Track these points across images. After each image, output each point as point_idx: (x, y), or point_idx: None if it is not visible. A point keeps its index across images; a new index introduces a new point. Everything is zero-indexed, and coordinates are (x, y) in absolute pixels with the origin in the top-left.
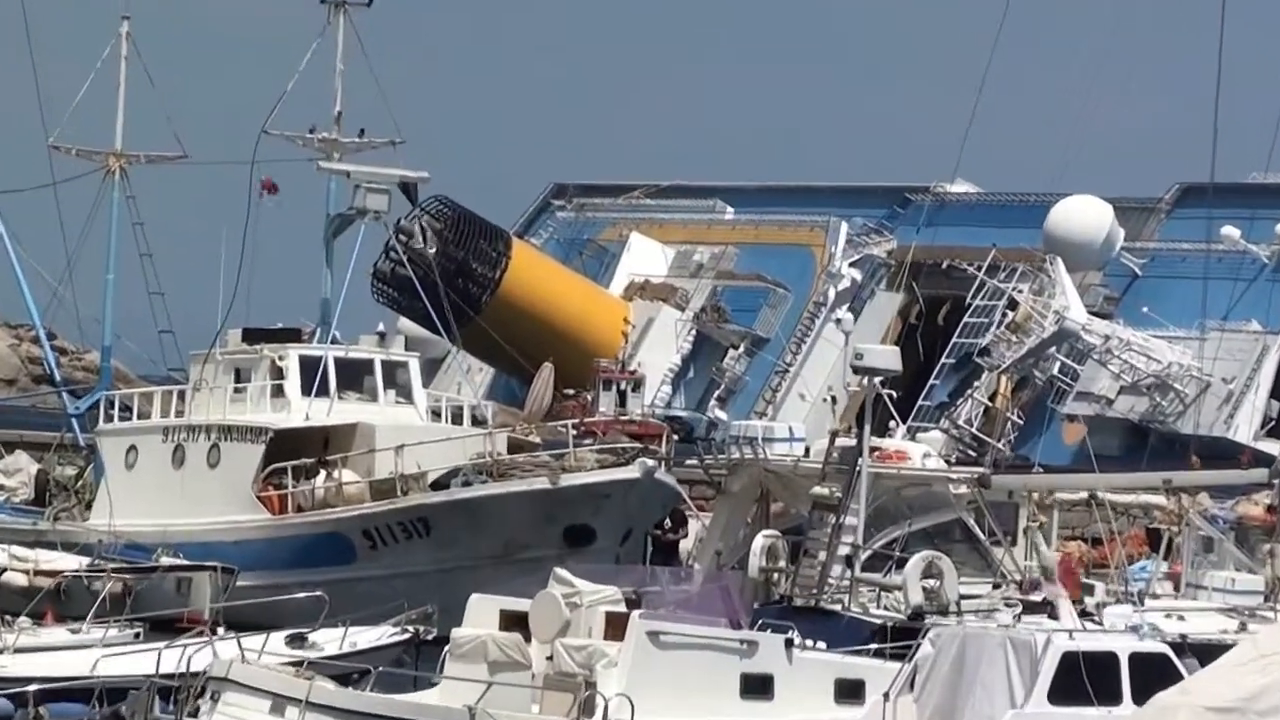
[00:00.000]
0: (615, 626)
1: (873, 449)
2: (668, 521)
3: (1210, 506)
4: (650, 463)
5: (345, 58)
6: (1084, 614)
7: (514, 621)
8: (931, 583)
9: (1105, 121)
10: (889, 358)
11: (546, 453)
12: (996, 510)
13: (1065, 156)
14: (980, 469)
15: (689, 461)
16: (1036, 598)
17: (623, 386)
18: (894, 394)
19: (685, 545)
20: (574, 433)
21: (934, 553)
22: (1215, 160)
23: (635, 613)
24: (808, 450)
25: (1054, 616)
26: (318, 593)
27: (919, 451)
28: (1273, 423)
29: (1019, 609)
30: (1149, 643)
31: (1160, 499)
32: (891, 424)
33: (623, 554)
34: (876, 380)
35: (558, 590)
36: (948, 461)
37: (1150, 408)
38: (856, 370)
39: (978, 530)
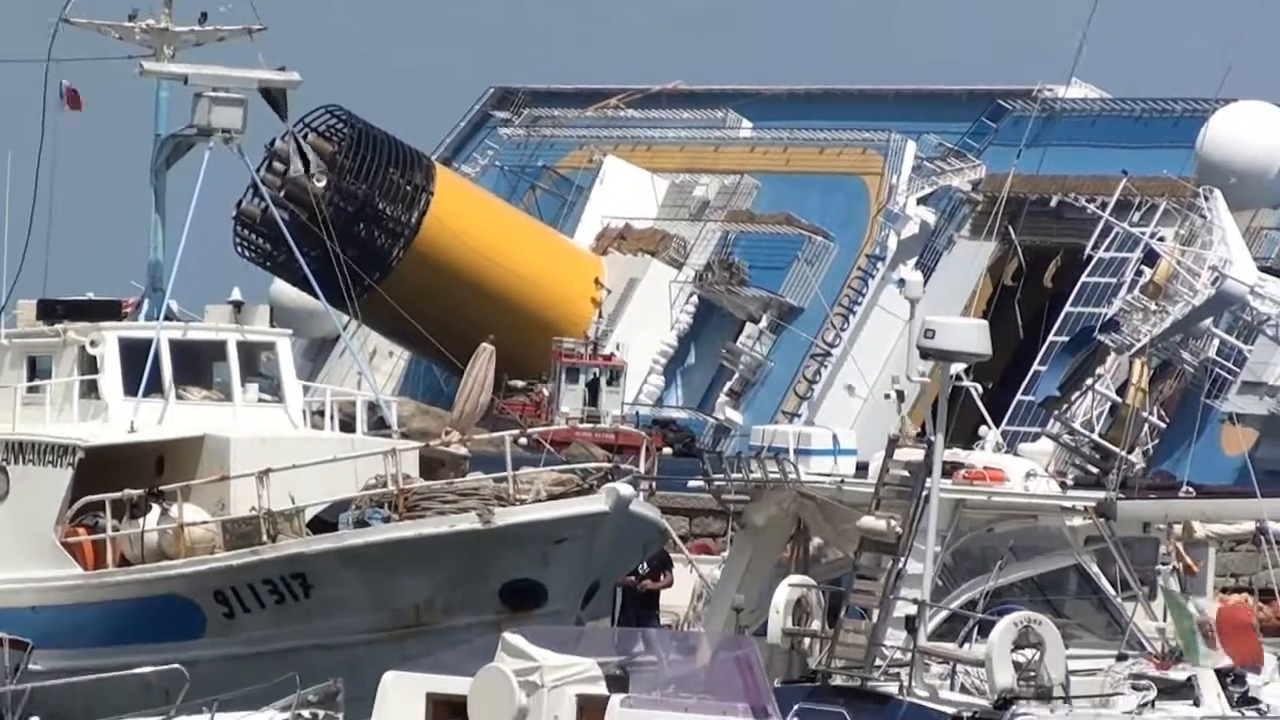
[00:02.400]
0: (591, 715)
1: (953, 465)
2: (643, 565)
3: None
4: (624, 489)
5: None
6: (1245, 699)
7: (448, 711)
8: (1028, 654)
9: None
10: (973, 335)
11: (479, 476)
12: (1131, 550)
13: (1227, 48)
14: (1103, 492)
15: (692, 483)
16: (1179, 675)
17: (594, 377)
18: (980, 387)
19: (675, 598)
20: (519, 444)
21: (1031, 614)
22: None
23: (618, 696)
24: (860, 468)
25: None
26: (172, 665)
27: (1020, 469)
28: None
29: (1152, 692)
30: None
31: None
32: (981, 429)
33: (585, 618)
34: (955, 368)
35: (509, 665)
36: (1062, 484)
37: None
38: (925, 354)
39: (1102, 580)
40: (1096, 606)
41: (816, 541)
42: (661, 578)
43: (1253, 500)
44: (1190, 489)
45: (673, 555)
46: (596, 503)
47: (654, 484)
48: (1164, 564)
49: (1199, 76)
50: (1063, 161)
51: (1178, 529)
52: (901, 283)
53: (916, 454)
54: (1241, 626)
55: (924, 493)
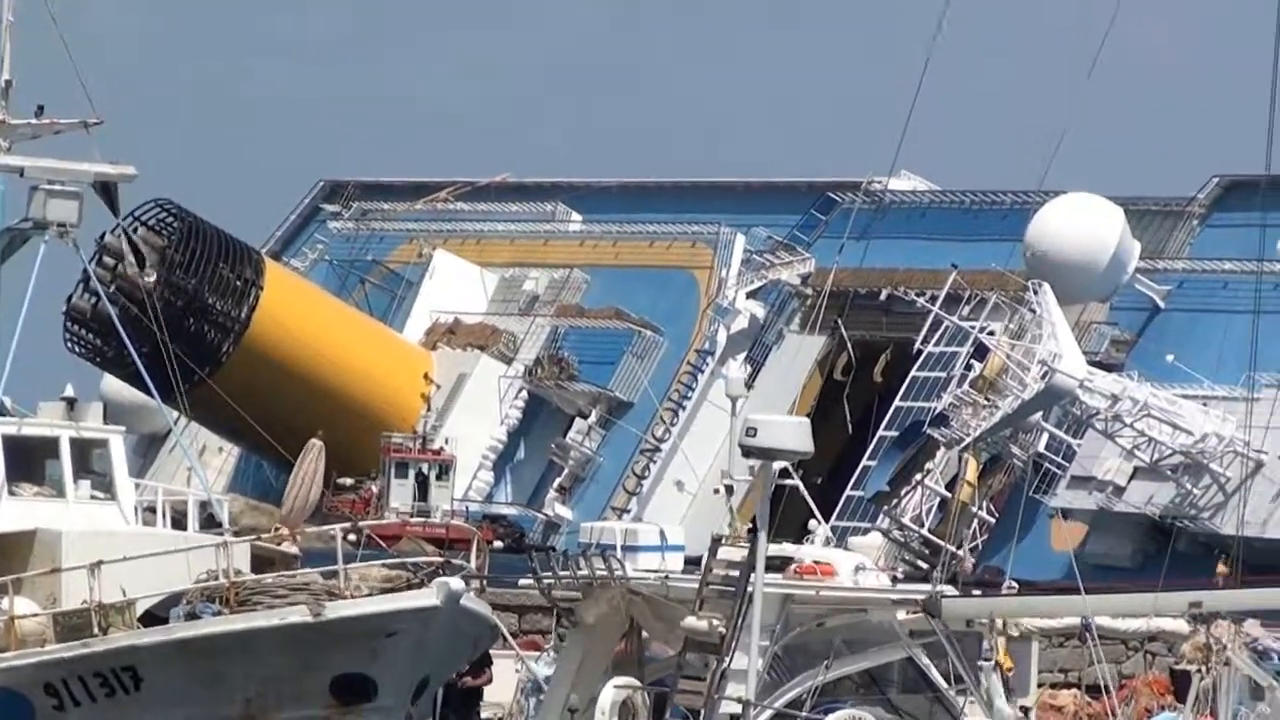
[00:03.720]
0: None
1: (781, 561)
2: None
3: (1261, 638)
4: (455, 583)
5: (14, 5)
6: None
7: None
8: None
9: (1112, 89)
10: (794, 433)
11: (309, 570)
12: (963, 645)
13: (1054, 140)
14: (926, 588)
15: (523, 581)
16: None
17: (424, 472)
18: (802, 482)
19: (498, 694)
20: (349, 540)
21: (857, 712)
22: (1272, 143)
23: None
24: (691, 562)
25: None
26: None
27: (850, 563)
28: None
29: None
30: None
31: (1185, 627)
32: (811, 524)
33: (415, 713)
34: (777, 466)
35: None
36: (893, 578)
37: (1177, 498)
38: (747, 452)
39: (934, 673)
40: (930, 700)
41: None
42: (481, 675)
43: (1076, 597)
44: (1014, 585)
45: (498, 652)
46: (427, 597)
47: (484, 580)
48: (986, 660)
49: (1027, 164)
50: (892, 254)
51: (1000, 624)
52: (727, 381)
53: (742, 552)
54: None
55: (747, 591)
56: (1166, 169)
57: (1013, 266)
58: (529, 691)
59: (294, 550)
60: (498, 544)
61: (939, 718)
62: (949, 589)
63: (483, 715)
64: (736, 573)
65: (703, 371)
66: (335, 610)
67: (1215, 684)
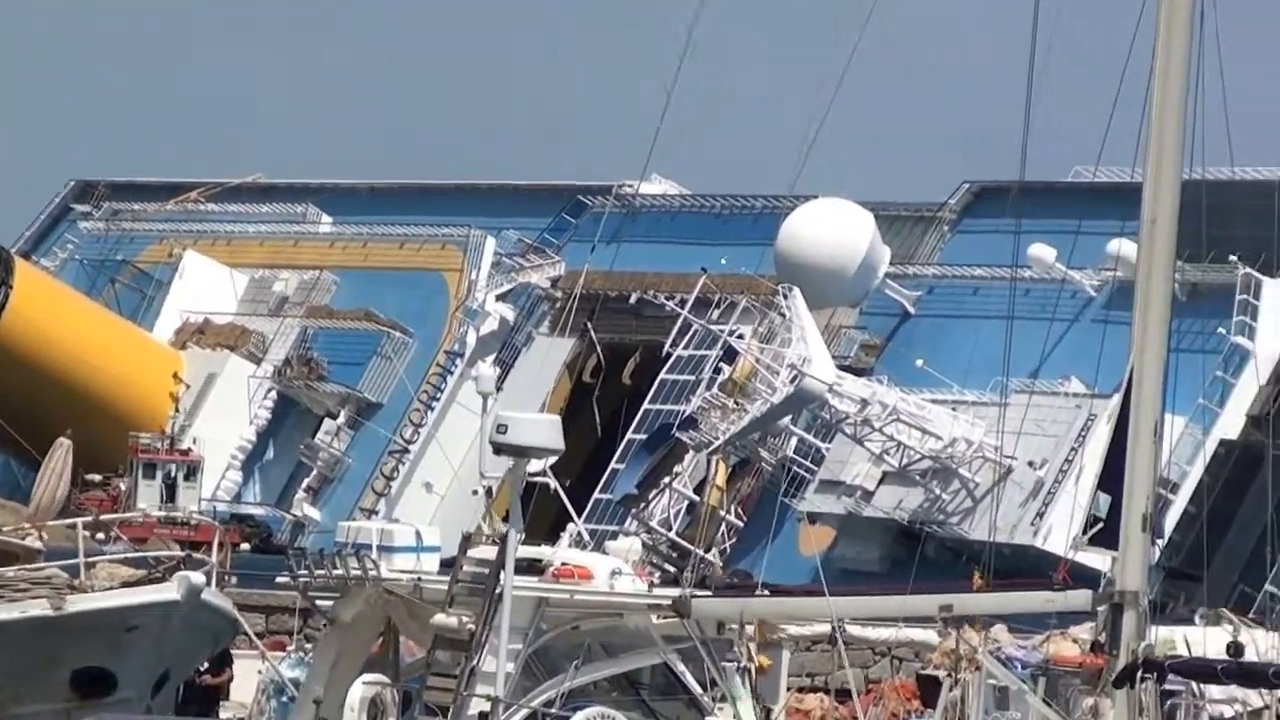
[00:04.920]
0: None
1: (534, 564)
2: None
3: (1007, 644)
4: (195, 577)
5: None
6: None
7: None
8: None
9: (867, 95)
10: (545, 431)
11: (51, 564)
12: (716, 649)
13: (806, 144)
14: (675, 591)
15: (279, 579)
16: None
17: (171, 472)
18: (552, 483)
19: (240, 694)
20: (93, 535)
21: (604, 710)
22: (1026, 150)
23: None
24: (445, 564)
25: None
26: None
27: (606, 567)
28: (1099, 525)
29: None
30: None
31: (935, 638)
32: (570, 526)
33: (156, 707)
34: (528, 465)
35: None
36: (651, 583)
37: (926, 503)
38: (498, 449)
39: (688, 678)
40: (684, 704)
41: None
42: (222, 674)
43: (826, 599)
44: (764, 589)
45: (240, 652)
46: (168, 591)
47: (226, 575)
48: (730, 662)
49: (779, 169)
50: (642, 258)
51: (749, 628)
52: (477, 379)
53: (493, 551)
54: None
55: (498, 589)
56: (918, 176)
57: (763, 270)
58: (271, 693)
59: (38, 545)
60: (245, 545)
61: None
62: (700, 591)
63: (223, 716)
64: (487, 571)
65: (452, 373)
66: (76, 604)
67: (965, 689)
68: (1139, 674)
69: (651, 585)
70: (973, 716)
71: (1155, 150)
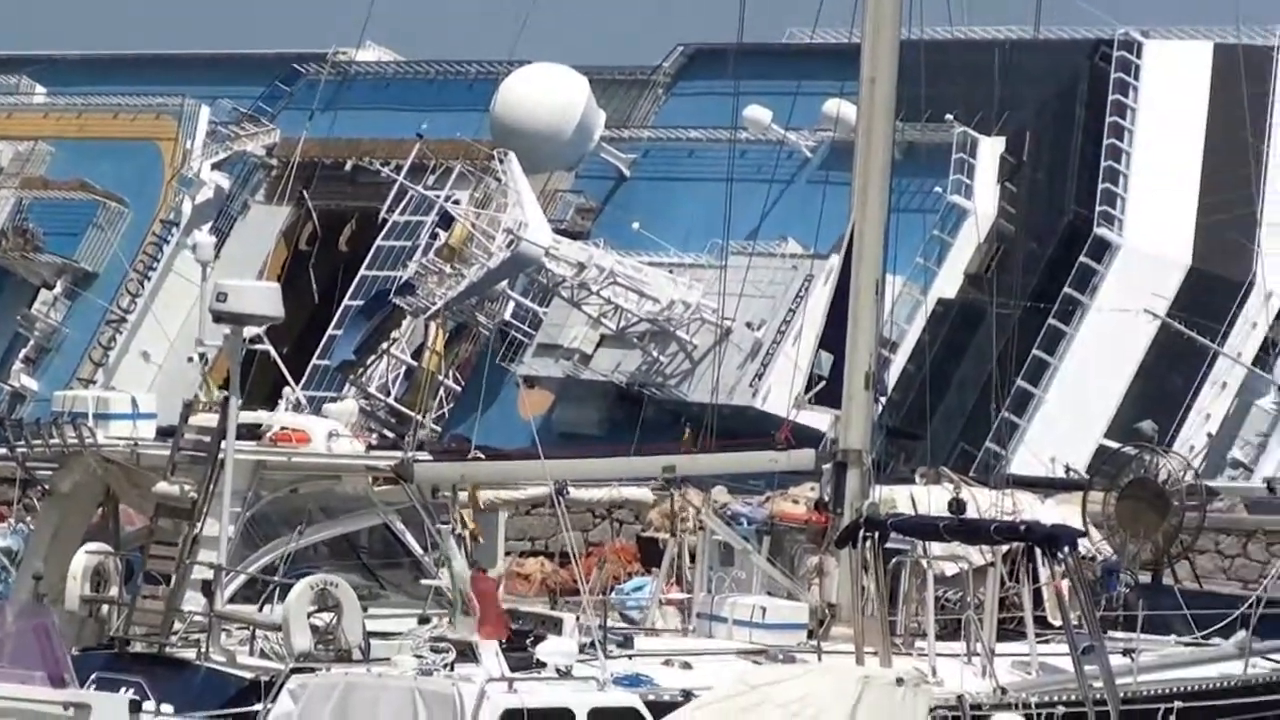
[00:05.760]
0: None
1: (254, 429)
2: None
3: (731, 503)
4: None
5: None
6: (528, 662)
7: None
8: (327, 618)
9: None
10: (265, 298)
11: None
12: (436, 513)
13: (522, 10)
14: (396, 454)
15: None
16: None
17: None
18: (270, 350)
19: None
20: None
21: (327, 577)
22: (744, 11)
23: None
24: (164, 433)
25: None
26: None
27: (323, 430)
28: (821, 383)
29: (451, 654)
30: (616, 693)
31: (650, 496)
32: (286, 391)
33: None
34: (249, 331)
35: None
36: (369, 445)
37: (644, 366)
38: (218, 318)
39: (408, 538)
40: (407, 568)
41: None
42: None
43: (547, 462)
44: (480, 452)
45: None
46: None
47: None
48: (444, 524)
49: (495, 34)
50: (358, 125)
51: (463, 494)
52: (196, 248)
53: (213, 418)
54: (487, 598)
55: (220, 456)
56: (632, 39)
57: (479, 136)
58: None
59: None
60: None
61: (413, 582)
62: (422, 454)
63: None
64: (208, 439)
65: (168, 242)
66: None
67: (681, 550)
68: (861, 532)
69: (369, 447)
70: (700, 574)
71: (873, 10)
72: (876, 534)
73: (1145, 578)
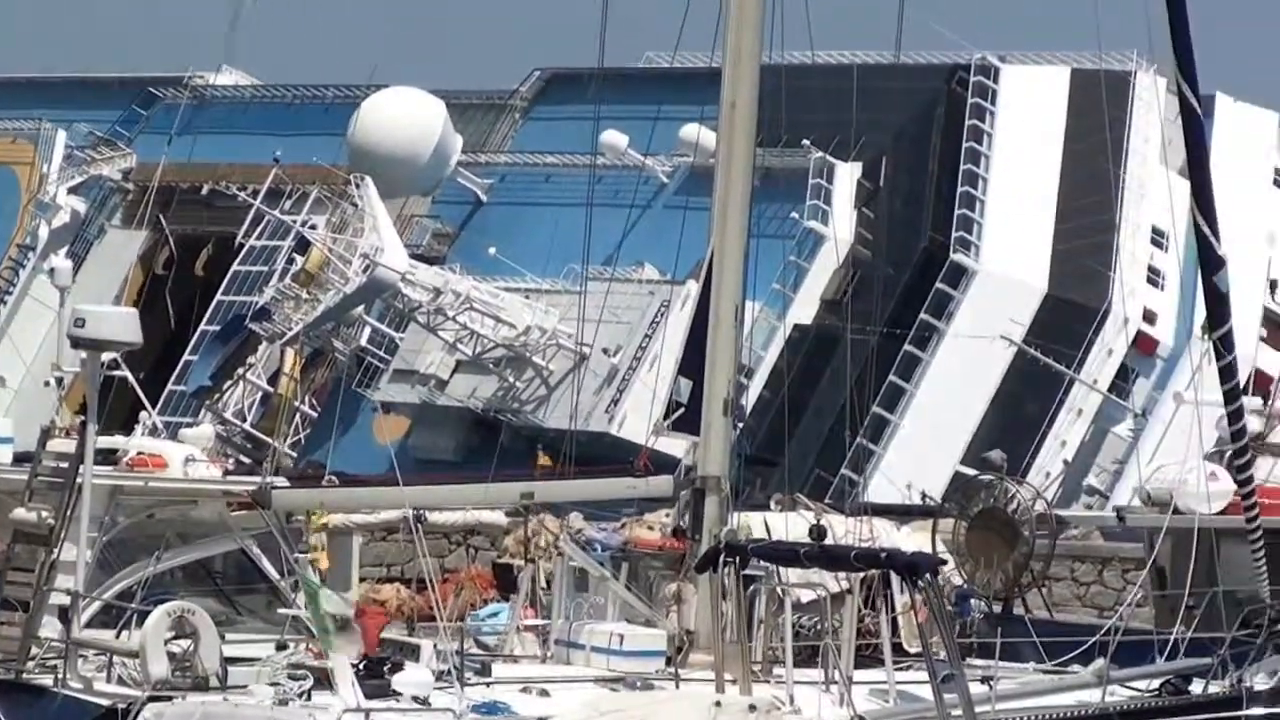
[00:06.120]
0: None
1: (111, 454)
2: None
3: (586, 529)
4: None
5: None
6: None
7: None
8: (184, 645)
9: None
10: (123, 324)
11: None
12: (292, 539)
13: (381, 34)
14: (254, 480)
15: None
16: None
17: None
18: (129, 376)
19: None
20: None
21: (185, 604)
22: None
23: None
24: (21, 459)
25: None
26: None
27: (180, 455)
28: (680, 410)
29: (309, 681)
30: None
31: (504, 520)
32: (143, 416)
33: None
34: (106, 356)
35: None
36: (226, 470)
37: (500, 392)
38: (76, 343)
39: (265, 563)
40: (263, 593)
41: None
42: None
43: (406, 489)
44: (333, 478)
45: None
46: None
47: None
48: (303, 553)
49: (356, 60)
50: (215, 149)
51: (321, 519)
52: (53, 272)
53: (71, 444)
54: (364, 621)
55: (78, 481)
56: (489, 64)
57: (337, 161)
58: None
59: None
60: None
61: (270, 608)
62: (280, 480)
63: None
64: (66, 464)
65: (24, 267)
66: None
67: (537, 576)
68: (721, 558)
69: (226, 472)
70: (558, 600)
71: (734, 35)
72: (737, 560)
73: (997, 607)
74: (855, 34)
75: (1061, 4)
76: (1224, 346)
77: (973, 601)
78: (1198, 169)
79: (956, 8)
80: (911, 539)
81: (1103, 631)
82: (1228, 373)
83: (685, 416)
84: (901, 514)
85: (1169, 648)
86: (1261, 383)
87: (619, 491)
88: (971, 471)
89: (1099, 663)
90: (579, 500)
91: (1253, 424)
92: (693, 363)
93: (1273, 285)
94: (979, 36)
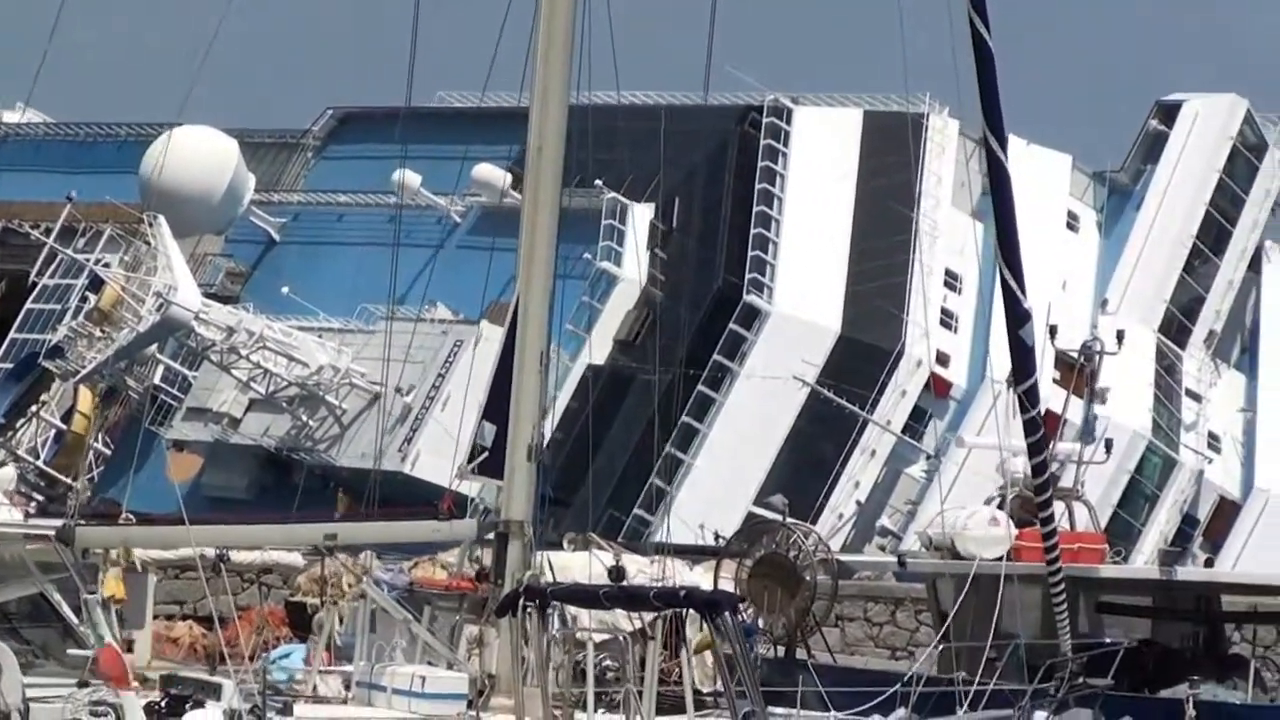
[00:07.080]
0: None
1: None
2: None
3: (374, 569)
4: None
5: None
6: None
7: None
8: None
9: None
10: None
11: None
12: (88, 577)
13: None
14: (58, 522)
15: None
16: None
17: None
18: None
19: None
20: None
21: None
22: (412, 76)
23: None
24: None
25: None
26: None
27: None
28: (484, 454)
29: (111, 717)
30: None
31: (300, 560)
32: None
33: None
34: None
35: None
36: (26, 512)
37: (294, 430)
38: None
39: (65, 608)
40: (56, 633)
41: None
42: None
43: (208, 528)
44: (130, 516)
45: None
46: None
47: None
48: (91, 592)
49: (161, 97)
50: (7, 187)
51: (114, 555)
52: None
53: None
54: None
55: None
56: (281, 101)
57: (130, 199)
58: None
59: None
60: None
61: (67, 649)
62: (80, 521)
63: None
64: None
65: None
66: None
67: (333, 615)
68: (521, 602)
69: (27, 515)
70: (360, 640)
71: (542, 78)
72: (537, 603)
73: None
74: (665, 77)
75: (860, 46)
76: (1029, 400)
77: (756, 636)
78: (1004, 222)
79: (761, 52)
80: (705, 578)
81: (903, 681)
82: (1032, 426)
83: (489, 460)
84: (694, 554)
85: (969, 698)
86: (1050, 424)
87: (423, 535)
88: (764, 512)
89: (900, 712)
90: (384, 542)
91: (1017, 465)
92: (497, 408)
93: (1053, 331)
94: (779, 78)
